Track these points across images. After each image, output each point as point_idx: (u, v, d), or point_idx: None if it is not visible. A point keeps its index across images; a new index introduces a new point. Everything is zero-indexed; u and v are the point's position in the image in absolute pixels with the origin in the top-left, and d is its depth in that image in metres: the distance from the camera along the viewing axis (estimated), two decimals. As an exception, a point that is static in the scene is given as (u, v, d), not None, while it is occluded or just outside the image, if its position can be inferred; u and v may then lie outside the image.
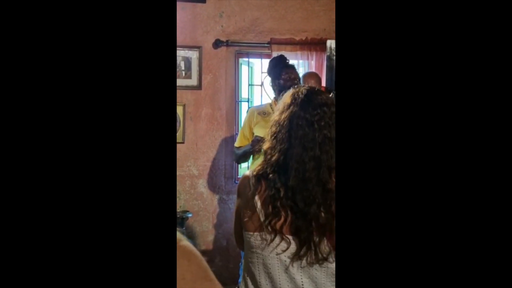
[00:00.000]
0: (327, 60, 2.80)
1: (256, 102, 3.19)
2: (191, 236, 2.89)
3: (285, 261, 1.05)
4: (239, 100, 3.06)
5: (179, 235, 0.72)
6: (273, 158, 1.07)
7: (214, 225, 3.01)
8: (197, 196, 2.99)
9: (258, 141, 2.12)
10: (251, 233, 1.08)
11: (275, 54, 2.85)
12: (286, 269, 1.05)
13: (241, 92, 3.09)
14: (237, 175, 3.06)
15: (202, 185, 2.98)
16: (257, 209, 1.07)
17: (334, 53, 2.78)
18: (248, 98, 3.17)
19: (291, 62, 2.42)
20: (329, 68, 2.80)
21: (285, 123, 1.08)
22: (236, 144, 2.41)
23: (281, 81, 2.25)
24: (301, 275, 1.05)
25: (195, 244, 2.77)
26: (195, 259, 0.70)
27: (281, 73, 2.26)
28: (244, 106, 3.12)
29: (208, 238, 3.01)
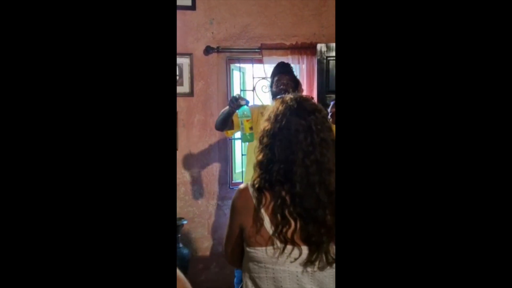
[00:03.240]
0: (317, 63, 2.82)
1: (249, 108, 3.18)
2: (186, 243, 2.88)
3: (297, 271, 1.06)
4: (232, 105, 3.06)
5: None
6: (274, 168, 1.06)
7: (209, 232, 3.00)
8: (191, 203, 2.98)
9: (236, 99, 2.03)
10: (259, 248, 1.06)
11: (266, 59, 2.87)
12: (298, 280, 1.06)
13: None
14: (231, 180, 3.05)
15: (196, 192, 2.98)
16: (264, 222, 1.05)
17: (325, 57, 2.80)
18: (240, 104, 3.17)
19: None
20: (319, 72, 2.82)
21: (281, 131, 1.08)
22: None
23: (273, 88, 2.27)
24: (311, 284, 1.06)
25: (190, 251, 2.72)
26: (178, 282, 0.71)
27: (274, 79, 2.28)
28: (236, 112, 3.12)
29: (203, 244, 3.00)
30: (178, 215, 2.88)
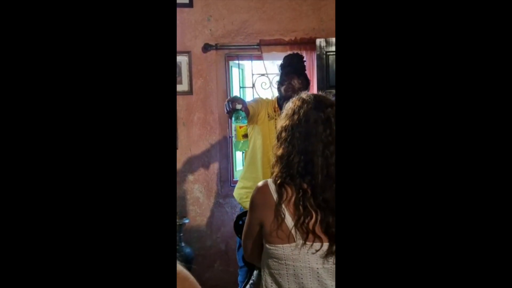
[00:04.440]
0: (317, 59, 2.80)
1: (248, 104, 3.18)
2: (189, 242, 2.87)
3: (317, 268, 1.06)
4: (231, 103, 3.05)
5: None
6: (295, 160, 1.07)
7: (211, 230, 3.00)
8: (193, 202, 2.97)
9: (232, 101, 1.81)
10: (280, 245, 1.07)
11: (265, 55, 2.85)
12: (318, 276, 1.07)
13: (233, 94, 3.08)
14: (232, 178, 3.05)
15: (198, 190, 2.97)
16: (285, 217, 1.06)
17: (324, 52, 2.79)
18: (240, 101, 3.16)
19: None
20: (319, 67, 2.80)
21: (300, 123, 1.09)
22: None
23: (282, 90, 2.10)
24: (331, 280, 1.07)
25: (193, 250, 2.72)
26: (189, 285, 0.71)
27: (285, 79, 2.09)
28: (236, 109, 3.11)
29: (206, 243, 3.00)
30: (179, 214, 2.88)
